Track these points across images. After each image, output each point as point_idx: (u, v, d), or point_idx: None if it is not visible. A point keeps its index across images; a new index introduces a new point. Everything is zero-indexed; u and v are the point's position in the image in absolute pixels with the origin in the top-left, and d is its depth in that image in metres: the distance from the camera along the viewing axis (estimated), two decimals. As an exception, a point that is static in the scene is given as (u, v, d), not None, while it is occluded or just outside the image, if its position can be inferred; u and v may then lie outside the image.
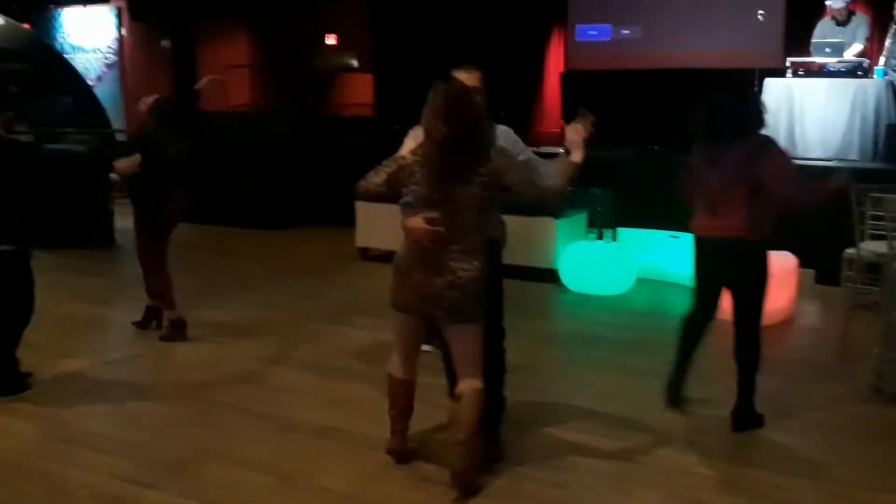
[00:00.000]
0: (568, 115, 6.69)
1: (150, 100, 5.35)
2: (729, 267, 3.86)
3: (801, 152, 7.45)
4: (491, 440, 3.51)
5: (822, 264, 6.67)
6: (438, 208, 3.07)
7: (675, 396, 4.12)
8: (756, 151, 3.72)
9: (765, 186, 3.68)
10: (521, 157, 3.33)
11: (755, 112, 3.84)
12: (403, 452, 3.53)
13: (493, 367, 3.44)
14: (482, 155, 3.09)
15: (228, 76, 12.62)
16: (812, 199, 3.87)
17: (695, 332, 4.08)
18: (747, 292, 3.85)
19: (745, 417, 3.91)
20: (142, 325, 5.46)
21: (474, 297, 3.14)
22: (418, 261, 3.13)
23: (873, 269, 5.66)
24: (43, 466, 3.52)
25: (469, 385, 3.20)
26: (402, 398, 3.49)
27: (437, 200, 3.08)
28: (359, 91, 12.29)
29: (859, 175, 6.02)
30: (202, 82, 5.40)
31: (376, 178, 3.21)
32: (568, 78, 10.85)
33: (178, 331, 5.29)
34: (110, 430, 3.92)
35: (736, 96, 4.01)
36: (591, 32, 10.68)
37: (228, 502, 3.19)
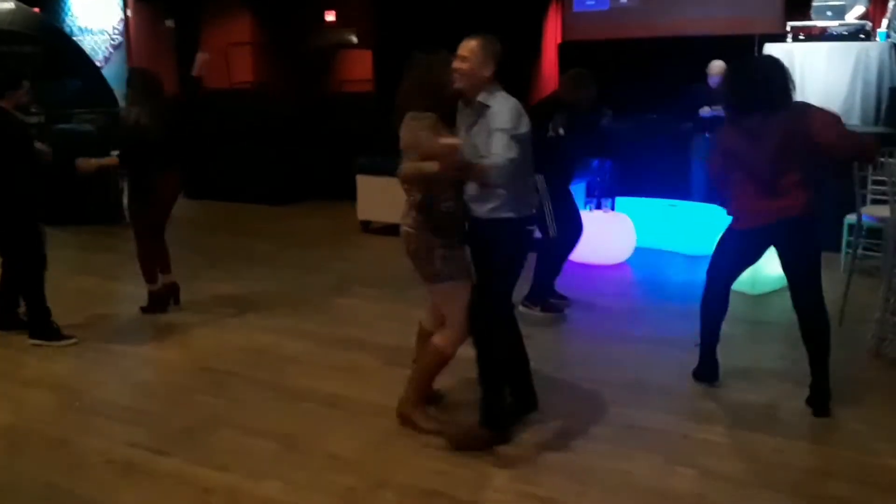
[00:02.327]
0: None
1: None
2: (792, 249, 3.69)
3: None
4: (528, 392, 3.71)
5: (822, 229, 6.69)
6: None
7: (714, 375, 4.05)
8: (798, 118, 3.56)
9: (819, 147, 3.50)
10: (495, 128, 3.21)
11: (790, 81, 3.63)
12: None
13: (511, 329, 3.59)
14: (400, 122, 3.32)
15: (231, 54, 12.63)
16: (857, 149, 3.66)
17: (720, 312, 3.96)
18: (811, 267, 3.69)
19: (827, 396, 3.72)
20: (147, 309, 5.38)
21: (415, 256, 3.38)
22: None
23: (874, 235, 5.69)
24: (59, 434, 3.61)
25: (435, 339, 3.50)
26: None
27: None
28: (358, 67, 12.30)
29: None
30: (197, 66, 5.32)
31: None
32: (566, 49, 10.81)
33: (156, 304, 5.33)
34: (123, 399, 4.01)
35: (772, 64, 3.70)
36: (589, 2, 10.60)
37: (237, 468, 3.28)
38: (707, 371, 4.07)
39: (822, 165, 3.67)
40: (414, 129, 3.27)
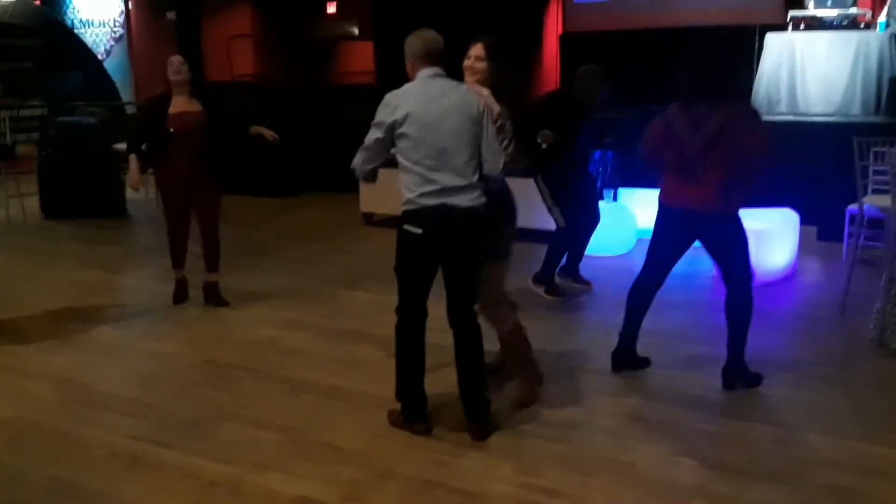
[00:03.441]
0: (567, 78, 6.72)
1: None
2: (713, 241, 3.83)
3: (802, 108, 7.42)
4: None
5: (823, 220, 6.70)
6: None
7: (628, 362, 4.14)
8: (741, 118, 3.67)
9: (743, 156, 3.63)
10: None
11: (737, 76, 3.80)
12: None
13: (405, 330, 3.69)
14: None
15: (232, 47, 12.62)
16: (753, 174, 3.79)
17: (646, 301, 4.06)
18: (732, 257, 3.84)
19: (736, 374, 3.92)
20: (179, 299, 5.45)
21: None
22: None
23: (876, 225, 5.69)
24: (63, 427, 3.63)
25: None
26: None
27: None
28: (360, 59, 12.29)
29: (861, 129, 6.03)
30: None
31: None
32: (567, 40, 10.78)
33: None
34: (126, 391, 4.03)
35: (724, 57, 3.86)
36: (590, -7, 10.60)
37: (241, 460, 3.29)
38: (618, 360, 4.14)
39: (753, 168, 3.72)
40: None
